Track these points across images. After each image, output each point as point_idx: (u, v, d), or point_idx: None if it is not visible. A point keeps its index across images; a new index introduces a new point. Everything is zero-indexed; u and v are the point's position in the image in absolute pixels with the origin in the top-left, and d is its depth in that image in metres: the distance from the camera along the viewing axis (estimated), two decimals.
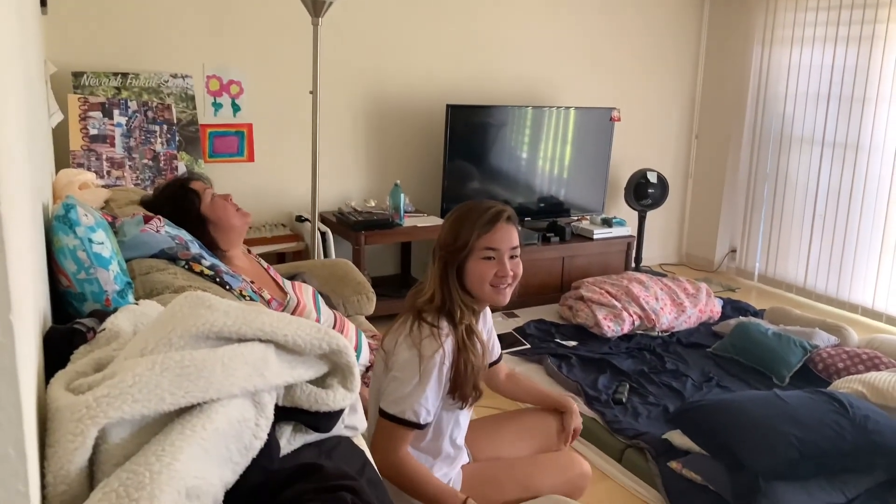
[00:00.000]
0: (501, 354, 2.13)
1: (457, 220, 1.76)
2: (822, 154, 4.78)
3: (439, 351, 1.66)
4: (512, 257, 1.77)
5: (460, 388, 1.71)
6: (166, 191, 2.06)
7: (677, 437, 2.66)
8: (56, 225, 1.25)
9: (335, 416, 0.95)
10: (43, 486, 0.63)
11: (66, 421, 0.65)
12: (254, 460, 0.80)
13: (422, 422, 1.65)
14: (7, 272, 0.46)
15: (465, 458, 1.94)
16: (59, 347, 0.88)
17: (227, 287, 1.75)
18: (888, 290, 4.47)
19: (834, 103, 4.68)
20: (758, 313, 4.29)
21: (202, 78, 3.78)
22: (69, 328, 0.92)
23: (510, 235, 1.76)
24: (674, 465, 2.55)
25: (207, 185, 2.07)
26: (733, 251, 5.53)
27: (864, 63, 4.48)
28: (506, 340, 3.65)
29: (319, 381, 0.95)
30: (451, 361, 1.69)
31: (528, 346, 3.70)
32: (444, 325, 1.70)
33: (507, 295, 1.78)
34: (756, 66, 5.16)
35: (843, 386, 2.94)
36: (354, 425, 1.04)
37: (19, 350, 0.49)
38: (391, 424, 1.65)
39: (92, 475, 0.67)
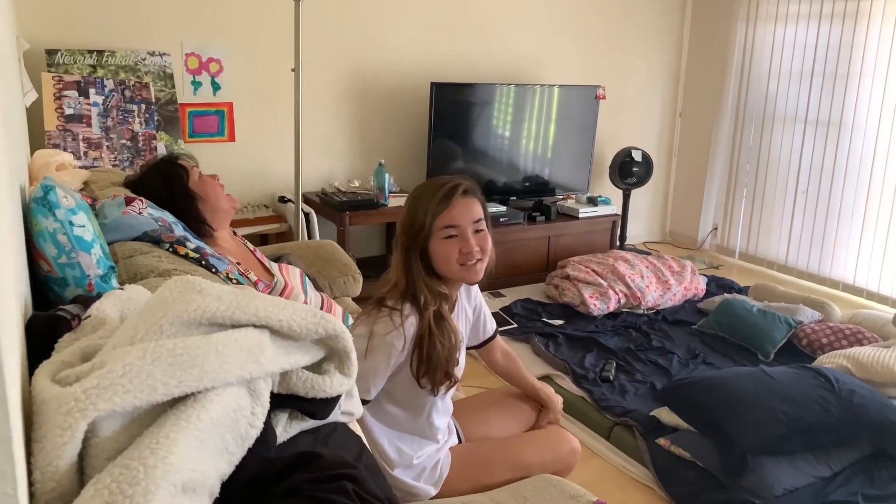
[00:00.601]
0: (496, 331, 2.09)
1: (412, 203, 1.70)
2: (804, 131, 4.79)
3: (393, 331, 1.61)
4: (477, 231, 1.70)
5: (429, 374, 1.67)
6: (154, 165, 2.01)
7: (665, 415, 2.67)
8: (35, 207, 1.20)
9: (332, 402, 0.92)
10: (30, 484, 0.60)
11: (53, 414, 0.62)
12: (250, 450, 0.77)
13: (362, 396, 1.58)
14: None
15: (453, 441, 1.92)
16: (41, 336, 0.84)
17: (214, 270, 1.71)
18: (869, 266, 4.51)
19: (818, 80, 4.68)
20: (742, 290, 4.31)
21: (181, 56, 3.69)
22: (52, 315, 0.88)
23: (470, 209, 1.68)
24: (662, 441, 2.56)
25: (194, 164, 2.02)
26: (715, 229, 5.55)
27: (847, 39, 4.48)
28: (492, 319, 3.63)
29: (315, 367, 0.92)
30: (409, 345, 1.65)
31: (515, 325, 3.69)
32: (408, 308, 1.65)
33: (478, 271, 1.71)
34: (740, 44, 5.14)
35: (828, 361, 2.96)
36: (350, 411, 1.02)
37: (4, 342, 0.45)
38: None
39: (82, 471, 0.64)
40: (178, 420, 0.66)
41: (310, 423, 0.96)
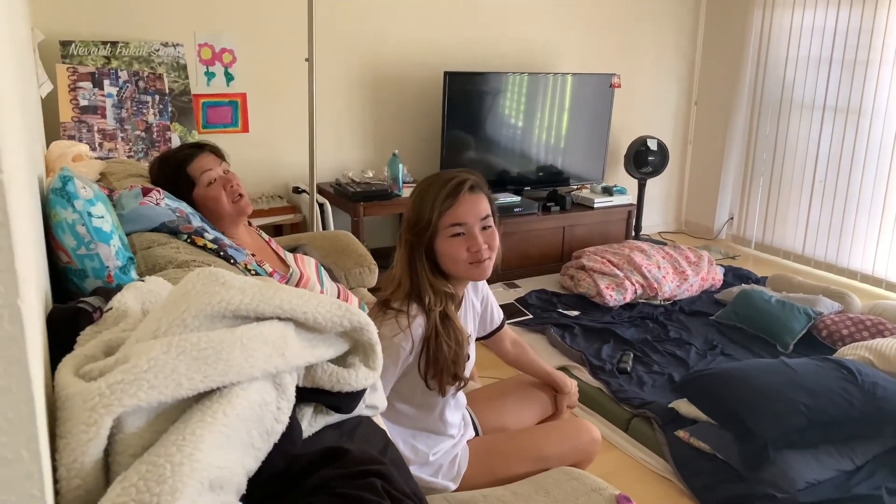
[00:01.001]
0: (504, 321, 2.06)
1: (417, 199, 1.64)
2: (822, 119, 4.72)
3: (399, 334, 1.57)
4: (485, 228, 1.63)
5: (435, 376, 1.63)
6: (160, 167, 1.97)
7: (684, 406, 2.64)
8: (53, 198, 1.19)
9: (357, 396, 0.90)
10: (55, 482, 0.58)
11: (77, 410, 0.60)
12: (276, 445, 0.76)
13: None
14: (14, 251, 0.41)
15: (470, 433, 1.90)
16: (63, 328, 0.83)
17: (232, 261, 1.69)
18: (888, 256, 4.45)
19: (836, 67, 4.60)
20: (760, 280, 4.27)
21: (194, 46, 3.68)
22: (74, 308, 0.87)
23: (477, 206, 1.62)
24: (681, 434, 2.53)
25: (209, 167, 1.91)
26: (731, 218, 5.49)
27: (867, 25, 4.40)
28: (508, 311, 3.61)
29: (340, 360, 0.90)
30: (417, 347, 1.60)
31: (531, 316, 3.67)
32: (414, 309, 1.60)
33: (487, 269, 1.65)
34: (756, 30, 5.07)
35: (850, 353, 2.92)
36: (375, 404, 1.00)
37: (29, 338, 0.44)
38: None
39: (107, 467, 0.62)
40: (203, 416, 0.65)
41: (335, 417, 0.94)
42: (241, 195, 1.93)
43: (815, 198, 4.82)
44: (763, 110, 5.12)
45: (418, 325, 1.60)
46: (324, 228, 3.76)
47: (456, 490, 1.74)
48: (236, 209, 1.92)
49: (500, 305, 2.05)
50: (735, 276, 4.36)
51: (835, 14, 4.57)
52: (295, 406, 0.82)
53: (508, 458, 1.81)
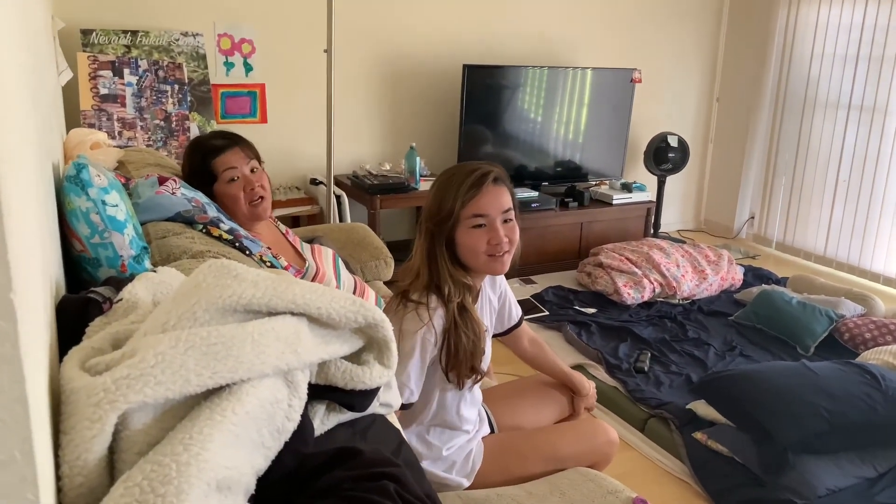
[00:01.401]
0: (522, 318, 2.03)
1: (440, 188, 1.62)
2: (847, 118, 4.63)
3: (423, 328, 1.55)
4: (506, 221, 1.62)
5: (455, 369, 1.61)
6: (190, 154, 1.94)
7: (702, 408, 2.60)
8: (67, 186, 1.18)
9: (371, 394, 0.88)
10: (58, 478, 0.56)
11: (82, 405, 0.58)
12: (286, 444, 0.73)
13: (403, 400, 1.55)
14: (6, 242, 0.38)
15: (485, 430, 1.88)
16: (73, 319, 0.81)
17: (248, 252, 1.68)
18: None
19: (862, 64, 4.51)
20: (780, 281, 4.20)
21: (213, 36, 3.67)
22: (84, 298, 0.85)
23: (499, 198, 1.61)
24: (699, 436, 2.49)
25: (233, 165, 1.86)
26: (752, 218, 5.41)
27: None
28: (524, 307, 3.57)
29: (354, 357, 0.88)
30: (440, 340, 1.59)
31: (547, 312, 3.63)
32: (434, 300, 1.59)
33: (505, 263, 1.63)
34: (781, 26, 4.98)
35: (873, 357, 2.86)
36: (389, 402, 0.97)
37: (23, 334, 0.41)
38: None
39: (112, 465, 0.60)
40: (212, 414, 0.63)
41: (348, 416, 0.92)
42: (261, 198, 1.90)
43: (839, 198, 4.74)
44: (786, 108, 5.03)
45: (439, 316, 1.58)
46: (340, 220, 3.75)
47: (469, 487, 1.72)
48: (252, 213, 1.90)
49: (517, 301, 2.02)
50: (755, 276, 4.29)
51: (862, 10, 4.47)
52: (307, 404, 0.79)
53: (524, 456, 1.78)
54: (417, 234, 1.66)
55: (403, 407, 1.57)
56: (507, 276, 1.95)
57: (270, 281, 0.80)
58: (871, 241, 4.57)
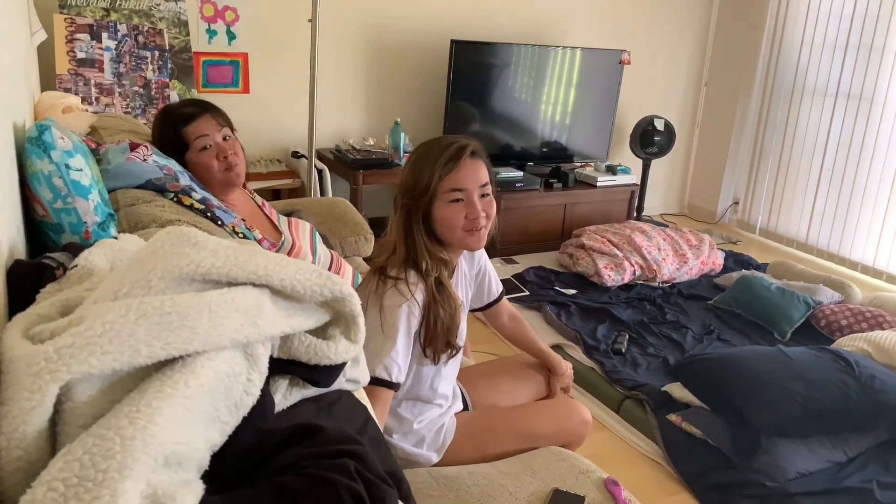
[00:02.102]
0: (502, 293, 2.02)
1: (416, 162, 1.60)
2: (834, 105, 4.63)
3: (405, 303, 1.54)
4: (483, 196, 1.60)
5: (431, 343, 1.60)
6: (159, 123, 1.89)
7: (677, 390, 2.61)
8: (29, 147, 1.13)
9: (336, 369, 0.85)
10: None
11: (21, 375, 0.55)
12: (245, 419, 0.71)
13: (394, 379, 1.53)
14: None
15: (458, 406, 1.86)
16: (24, 284, 0.77)
17: (220, 223, 1.64)
18: (891, 248, 4.39)
19: (851, 52, 4.50)
20: (760, 267, 4.22)
21: (196, 2, 3.58)
22: (37, 263, 0.81)
23: (477, 172, 1.59)
24: (673, 418, 2.50)
25: (205, 132, 1.81)
26: (736, 203, 5.42)
27: (886, 9, 4.29)
28: (505, 286, 3.57)
29: (320, 332, 0.85)
30: (420, 314, 1.57)
31: (528, 292, 3.62)
32: (412, 275, 1.57)
33: (482, 238, 1.62)
34: (773, 12, 4.95)
35: (848, 344, 2.88)
36: (356, 378, 0.95)
37: None
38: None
39: (55, 438, 0.57)
40: (162, 386, 0.60)
41: (312, 391, 0.90)
42: (234, 165, 1.85)
43: (822, 186, 4.75)
44: (774, 94, 5.02)
45: (420, 290, 1.57)
46: (322, 195, 3.70)
47: (441, 463, 1.71)
48: (225, 179, 1.85)
49: (496, 279, 2.00)
50: (736, 261, 4.31)
51: None
52: (269, 378, 0.77)
53: (496, 433, 1.78)
54: (393, 209, 1.64)
55: (392, 385, 1.54)
56: (490, 256, 1.93)
57: (232, 250, 0.77)
58: (851, 230, 4.60)
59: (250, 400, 0.71)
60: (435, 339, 1.60)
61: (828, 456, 2.32)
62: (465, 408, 1.91)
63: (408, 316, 1.55)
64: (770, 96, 5.05)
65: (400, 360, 1.55)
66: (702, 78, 5.44)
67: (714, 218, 5.45)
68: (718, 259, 4.09)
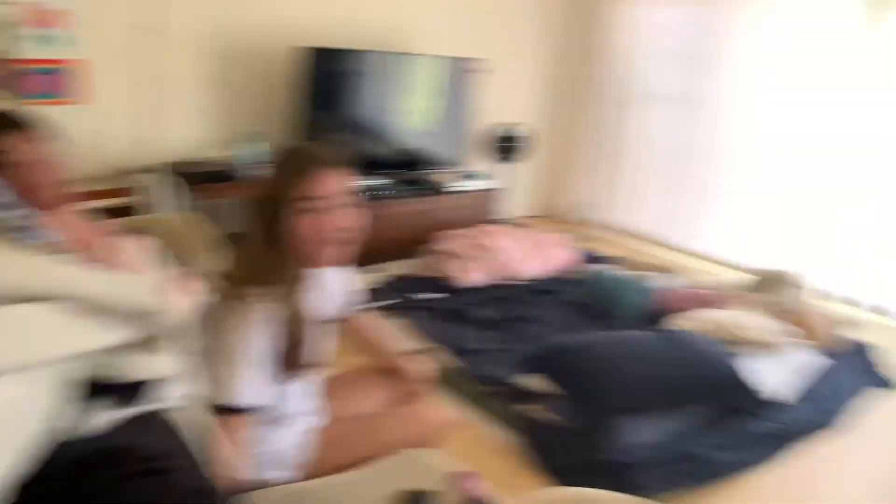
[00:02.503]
0: (358, 305, 1.99)
1: (270, 172, 1.51)
2: (672, 110, 5.07)
3: (256, 320, 1.45)
4: (342, 206, 1.52)
5: (284, 362, 1.52)
6: None
7: (535, 381, 2.72)
8: None
9: (155, 385, 0.82)
10: None
11: None
12: (59, 445, 0.66)
13: (245, 403, 1.43)
14: None
15: (318, 420, 1.82)
16: None
17: (30, 241, 1.52)
18: (723, 237, 4.87)
19: (681, 60, 4.95)
20: (612, 261, 4.48)
21: (24, 4, 3.29)
22: None
23: (335, 181, 1.50)
24: (532, 407, 2.60)
25: (23, 139, 1.70)
26: (589, 203, 5.72)
27: (711, 23, 4.74)
28: (363, 295, 3.55)
29: (137, 348, 0.81)
30: (270, 333, 1.48)
31: (387, 301, 3.63)
32: (264, 291, 1.47)
33: (340, 250, 1.55)
34: (616, 23, 5.30)
35: (688, 324, 3.13)
36: (181, 394, 0.91)
37: None
38: (220, 417, 1.37)
39: None
40: None
41: (132, 410, 0.85)
42: (44, 186, 1.72)
43: (667, 184, 5.17)
44: (621, 100, 5.36)
45: (269, 308, 1.48)
46: (165, 211, 3.52)
47: (301, 479, 1.67)
48: (38, 190, 1.73)
49: (356, 290, 1.98)
50: (589, 257, 4.54)
51: (678, 10, 4.90)
52: (86, 398, 0.72)
53: (352, 445, 1.75)
54: (247, 221, 1.54)
55: (246, 411, 1.44)
56: (347, 265, 1.88)
57: (27, 264, 0.72)
58: (691, 222, 5.06)
59: (49, 426, 0.67)
60: (288, 357, 1.54)
61: (672, 427, 2.53)
62: (325, 421, 1.87)
63: (258, 336, 1.47)
64: (618, 101, 5.40)
65: (251, 383, 1.46)
66: (556, 85, 5.69)
67: (570, 218, 5.71)
68: (574, 256, 4.30)
